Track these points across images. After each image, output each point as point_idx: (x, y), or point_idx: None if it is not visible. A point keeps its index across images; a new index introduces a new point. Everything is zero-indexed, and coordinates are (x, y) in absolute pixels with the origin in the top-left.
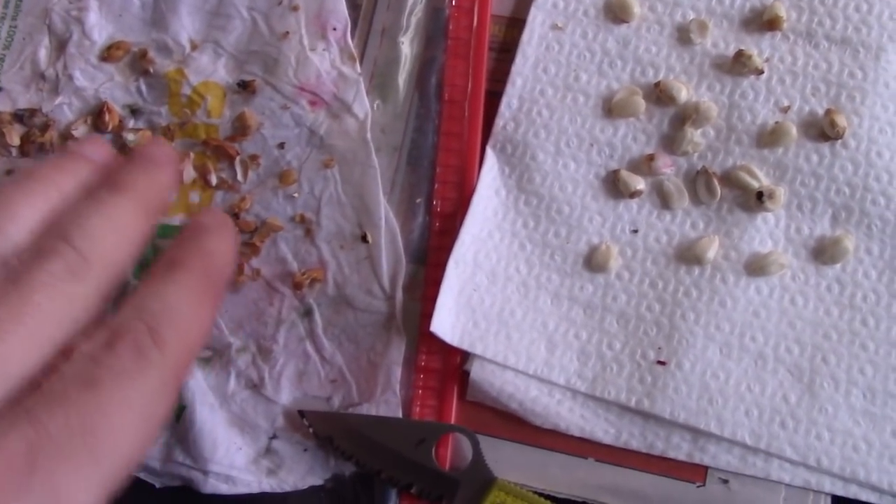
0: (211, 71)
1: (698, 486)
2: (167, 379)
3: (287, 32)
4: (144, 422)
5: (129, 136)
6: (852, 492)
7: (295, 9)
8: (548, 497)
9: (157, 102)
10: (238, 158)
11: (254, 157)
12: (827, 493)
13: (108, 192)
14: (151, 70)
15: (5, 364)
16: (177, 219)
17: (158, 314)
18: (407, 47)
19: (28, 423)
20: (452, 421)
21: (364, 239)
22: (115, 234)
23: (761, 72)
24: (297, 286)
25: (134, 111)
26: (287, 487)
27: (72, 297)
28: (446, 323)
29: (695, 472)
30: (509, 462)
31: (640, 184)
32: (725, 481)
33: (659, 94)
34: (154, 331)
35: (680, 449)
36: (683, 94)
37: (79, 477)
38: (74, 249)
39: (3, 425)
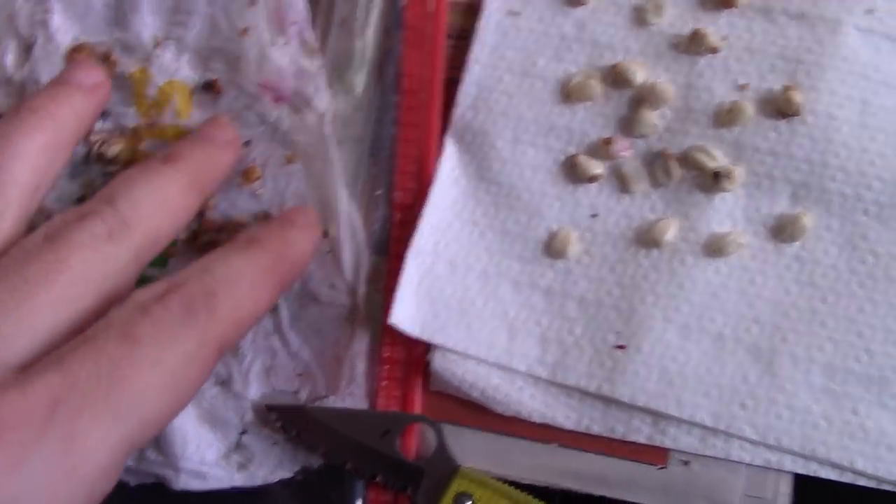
0: (175, 69)
1: (660, 469)
2: (208, 345)
3: (247, 28)
4: (174, 385)
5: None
6: (812, 469)
7: (253, 3)
8: (512, 483)
9: (125, 104)
10: None
11: None
12: (788, 472)
13: (161, 163)
14: (116, 71)
15: (33, 318)
16: None
17: (220, 279)
18: (366, 39)
19: (57, 369)
20: (417, 411)
21: (325, 233)
22: (159, 204)
23: (716, 50)
24: None
25: (101, 113)
26: (258, 481)
27: (107, 258)
28: (406, 314)
29: (656, 455)
30: (473, 450)
31: (598, 168)
32: (686, 463)
33: (616, 77)
34: (210, 293)
35: (641, 432)
36: (640, 75)
37: (98, 429)
38: (117, 212)
39: (32, 373)
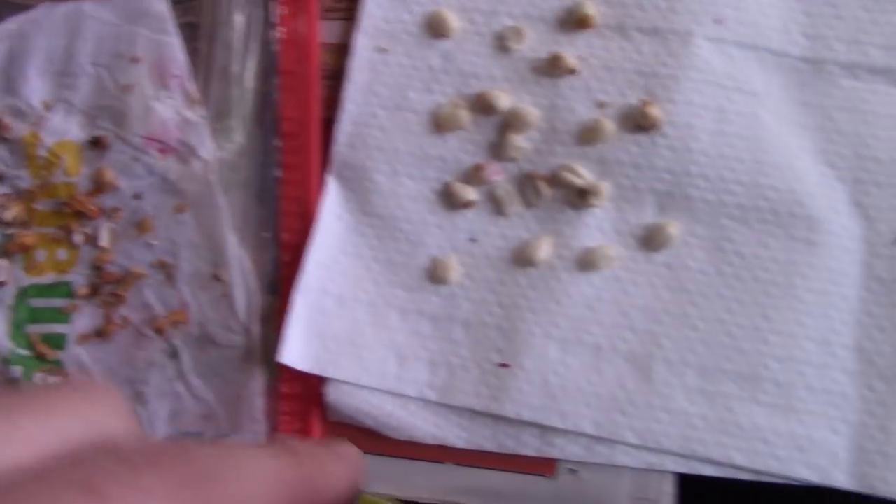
0: (64, 130)
1: (550, 479)
2: None
3: (131, 85)
4: None
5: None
6: (693, 468)
7: (136, 60)
8: None
9: (18, 166)
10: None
11: (115, 210)
12: (670, 472)
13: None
14: (8, 136)
15: None
16: (48, 277)
17: (232, 467)
18: (244, 86)
19: None
20: None
21: (218, 277)
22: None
23: (575, 71)
24: (160, 330)
25: None
26: None
27: None
28: (296, 351)
29: (545, 466)
30: (374, 475)
31: (472, 194)
32: (574, 471)
33: (482, 105)
34: (214, 476)
35: (529, 445)
36: (505, 101)
37: None
38: None
39: None
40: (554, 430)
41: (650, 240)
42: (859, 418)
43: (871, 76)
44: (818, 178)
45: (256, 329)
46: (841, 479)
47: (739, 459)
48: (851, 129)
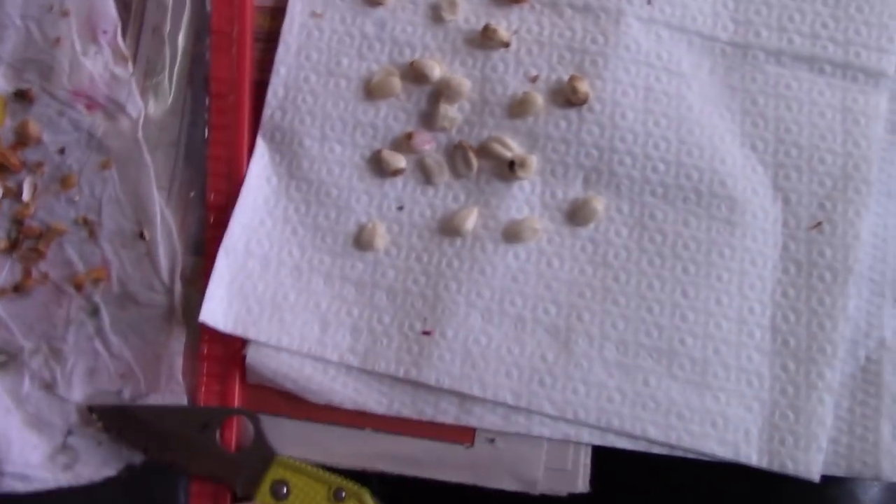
0: None
1: (467, 447)
2: None
3: (59, 38)
4: None
5: None
6: (609, 440)
7: (65, 14)
8: (330, 468)
9: None
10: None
11: (38, 165)
12: (586, 444)
13: None
14: None
15: None
16: None
17: None
18: (176, 45)
19: None
20: (237, 404)
21: (142, 236)
22: None
23: (507, 44)
24: (79, 286)
25: None
26: (82, 481)
27: None
28: (218, 311)
29: (463, 434)
30: (291, 439)
31: (401, 162)
32: (492, 440)
33: (415, 74)
34: None
35: (448, 413)
36: (437, 71)
37: None
38: None
39: None
40: (473, 398)
41: (575, 214)
42: (772, 397)
43: (795, 63)
44: (741, 161)
45: (179, 289)
46: (752, 456)
47: (654, 433)
48: (774, 114)
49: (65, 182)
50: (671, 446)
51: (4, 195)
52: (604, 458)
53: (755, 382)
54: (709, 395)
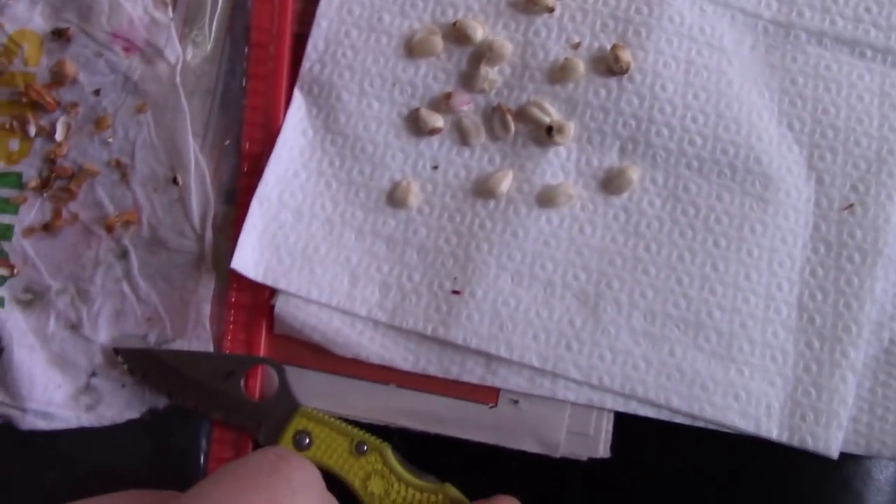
0: (27, 19)
1: (491, 407)
2: None
3: None
4: None
5: None
6: (632, 407)
7: None
8: (352, 422)
9: None
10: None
11: (73, 105)
12: (609, 410)
13: None
14: None
15: None
16: None
17: None
18: None
19: None
20: (262, 353)
21: (175, 181)
22: None
23: (552, 9)
24: (110, 228)
25: None
26: (105, 422)
27: None
28: (249, 260)
29: (487, 395)
30: (315, 391)
31: (439, 121)
32: (516, 402)
33: (457, 34)
34: None
35: (473, 373)
36: (479, 32)
37: None
38: None
39: None
40: (499, 359)
41: (610, 182)
42: (795, 374)
43: (836, 45)
44: (777, 139)
45: (209, 236)
46: (773, 430)
47: (677, 403)
48: (813, 94)
49: (99, 123)
50: (693, 417)
51: (38, 134)
52: (625, 425)
53: (779, 358)
54: (733, 368)
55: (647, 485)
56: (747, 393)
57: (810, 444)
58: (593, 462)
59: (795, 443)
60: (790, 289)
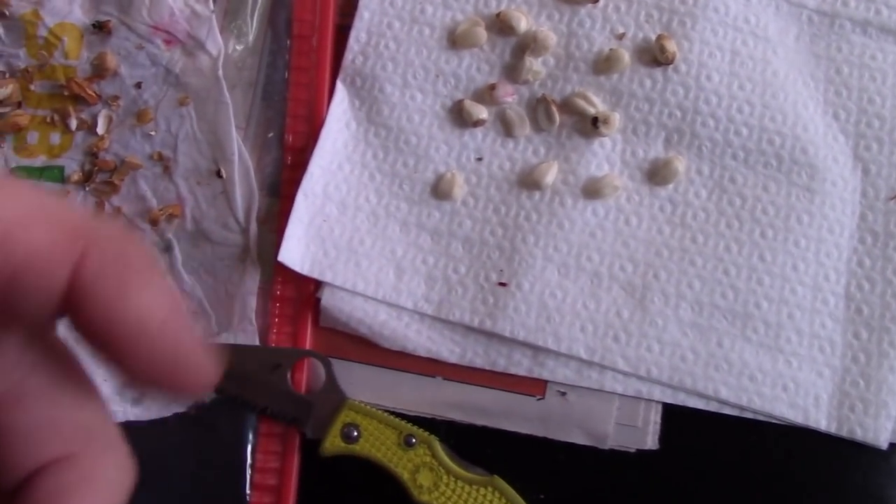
0: (67, 12)
1: (538, 399)
2: None
3: None
4: None
5: None
6: (680, 399)
7: None
8: (398, 415)
9: (15, 45)
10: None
11: (114, 98)
12: (657, 402)
13: None
14: (7, 13)
15: None
16: (39, 160)
17: None
18: None
19: None
20: (307, 346)
21: (219, 174)
22: None
23: (596, 0)
24: (154, 222)
25: None
26: (152, 415)
27: None
28: (295, 252)
29: (535, 387)
30: (362, 383)
31: (483, 113)
32: (563, 393)
33: (500, 25)
34: None
35: (521, 365)
36: (523, 23)
37: None
38: None
39: None
40: (546, 351)
41: (656, 173)
42: (843, 364)
43: (881, 35)
44: (822, 129)
45: (254, 229)
46: (822, 421)
47: (725, 394)
48: (858, 84)
49: (140, 116)
50: (741, 408)
51: (79, 127)
52: (672, 416)
53: (827, 349)
54: (781, 359)
55: (696, 477)
56: (795, 384)
57: (859, 435)
58: (642, 454)
59: (844, 433)
60: (837, 279)
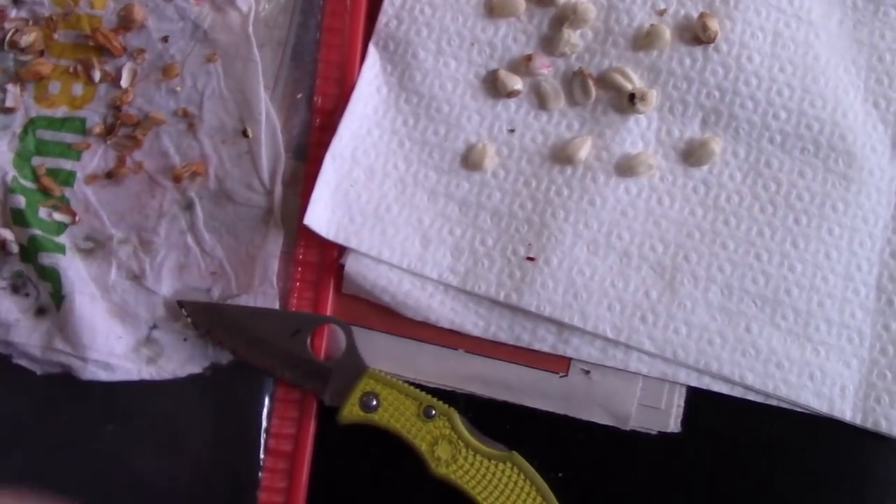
0: None
1: (561, 377)
2: None
3: None
4: None
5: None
6: (705, 383)
7: None
8: (418, 386)
9: None
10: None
11: (140, 51)
12: (682, 384)
13: None
14: None
15: None
16: (60, 111)
17: None
18: None
19: None
20: (328, 313)
21: (245, 133)
22: None
23: None
24: (177, 179)
25: (16, 1)
26: (166, 375)
27: None
28: (321, 217)
29: (558, 364)
30: (382, 352)
31: (517, 84)
32: (587, 372)
33: None
34: None
35: (545, 341)
36: None
37: None
38: None
39: None
40: (572, 329)
41: (691, 154)
42: (871, 356)
43: None
44: (862, 117)
45: (279, 191)
46: (847, 412)
47: (751, 380)
48: None
49: (166, 71)
50: (767, 394)
51: (102, 79)
52: (696, 400)
53: (856, 339)
54: (809, 347)
55: (717, 461)
56: (822, 373)
57: (884, 427)
58: (663, 436)
59: (869, 425)
60: (869, 269)
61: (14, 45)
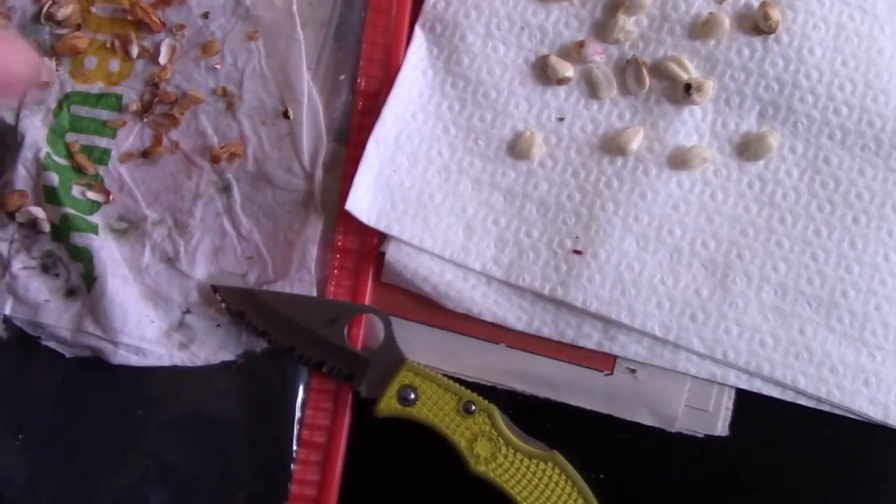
0: None
1: (606, 375)
2: None
3: None
4: None
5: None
6: (756, 386)
7: None
8: (457, 380)
9: None
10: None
11: (179, 27)
12: (731, 386)
13: None
14: None
15: None
16: (96, 86)
17: None
18: None
19: None
20: (366, 302)
21: (286, 115)
22: None
23: None
24: (215, 160)
25: None
26: (198, 362)
27: None
28: (363, 203)
29: (603, 361)
30: (421, 345)
31: (568, 70)
32: (633, 371)
33: None
34: None
35: (590, 338)
36: None
37: None
38: None
39: None
40: (618, 325)
41: (747, 148)
42: None
43: None
44: None
45: (320, 175)
46: None
47: (804, 384)
48: None
49: (206, 48)
50: (819, 399)
51: (140, 55)
52: (746, 403)
53: None
54: (865, 351)
55: (765, 467)
56: (878, 379)
57: None
58: (710, 439)
59: None
60: None
61: (50, 17)
